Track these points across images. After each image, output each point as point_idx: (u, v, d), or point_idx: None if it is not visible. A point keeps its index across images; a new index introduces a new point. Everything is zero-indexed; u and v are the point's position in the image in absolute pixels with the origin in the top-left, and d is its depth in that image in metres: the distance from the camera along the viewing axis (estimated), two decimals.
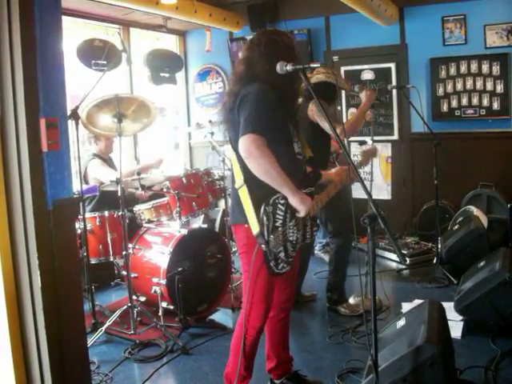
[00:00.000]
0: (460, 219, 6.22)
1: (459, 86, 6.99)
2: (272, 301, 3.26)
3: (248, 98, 3.00)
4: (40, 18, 2.75)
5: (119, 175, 4.61)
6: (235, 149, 3.09)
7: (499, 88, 6.74)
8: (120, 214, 4.69)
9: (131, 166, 6.42)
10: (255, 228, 2.99)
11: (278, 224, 3.04)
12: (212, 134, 5.62)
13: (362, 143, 6.35)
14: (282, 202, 3.03)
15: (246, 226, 3.07)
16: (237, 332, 3.30)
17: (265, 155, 2.89)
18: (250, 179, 3.03)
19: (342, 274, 5.08)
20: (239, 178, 3.10)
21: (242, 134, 2.91)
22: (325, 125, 4.80)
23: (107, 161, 5.63)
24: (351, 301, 5.10)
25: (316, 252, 6.68)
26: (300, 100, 5.11)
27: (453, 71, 6.99)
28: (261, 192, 3.00)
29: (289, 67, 3.03)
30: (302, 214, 3.05)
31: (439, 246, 6.13)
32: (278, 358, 3.57)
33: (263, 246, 2.98)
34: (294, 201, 3.01)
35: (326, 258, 6.62)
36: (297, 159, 3.24)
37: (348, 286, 5.18)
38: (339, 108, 7.72)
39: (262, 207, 2.98)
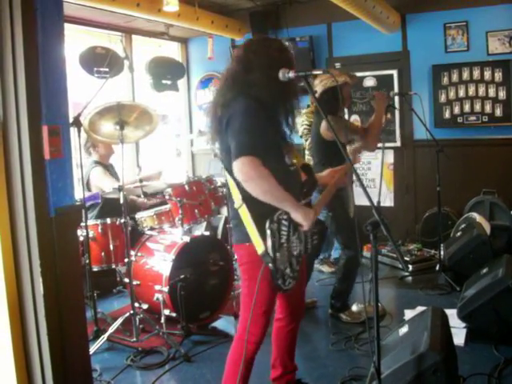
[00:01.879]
0: (463, 226, 6.21)
1: (461, 93, 7.00)
2: (271, 314, 3.19)
3: (235, 118, 2.90)
4: (42, 26, 2.76)
5: (121, 184, 4.61)
6: (227, 168, 3.02)
7: (501, 95, 6.75)
8: (122, 221, 4.68)
9: (133, 175, 6.40)
10: (260, 247, 2.90)
11: (283, 240, 2.94)
12: None
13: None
14: (285, 217, 2.93)
15: (247, 244, 2.97)
16: (235, 347, 3.20)
17: (263, 175, 2.79)
18: (248, 197, 2.91)
19: (349, 284, 5.05)
20: (237, 198, 3.00)
21: (236, 157, 2.80)
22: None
23: (109, 168, 5.64)
24: (354, 308, 5.09)
25: (315, 265, 6.67)
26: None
27: (455, 78, 7.00)
28: (261, 209, 2.89)
29: (291, 74, 3.01)
30: (305, 228, 2.98)
31: (442, 252, 6.13)
32: (284, 368, 3.51)
33: (270, 265, 2.88)
34: (297, 216, 2.93)
35: (324, 269, 6.62)
36: (291, 172, 3.14)
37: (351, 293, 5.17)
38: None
39: (267, 225, 2.87)
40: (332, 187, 3.41)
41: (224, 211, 6.81)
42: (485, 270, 4.64)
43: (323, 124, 4.75)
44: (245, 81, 3.00)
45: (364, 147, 5.00)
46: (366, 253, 6.86)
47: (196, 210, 5.30)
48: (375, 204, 2.64)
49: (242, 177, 2.81)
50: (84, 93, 6.22)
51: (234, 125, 2.89)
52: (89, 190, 5.36)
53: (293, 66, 3.04)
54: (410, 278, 6.29)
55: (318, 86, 4.77)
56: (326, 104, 4.65)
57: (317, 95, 4.80)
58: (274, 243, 2.88)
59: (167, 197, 5.30)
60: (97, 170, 5.42)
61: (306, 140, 6.11)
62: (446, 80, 7.06)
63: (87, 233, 4.78)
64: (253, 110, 2.92)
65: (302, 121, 6.27)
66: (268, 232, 2.87)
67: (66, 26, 3.15)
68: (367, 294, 4.88)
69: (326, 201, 3.39)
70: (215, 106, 3.07)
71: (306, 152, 6.26)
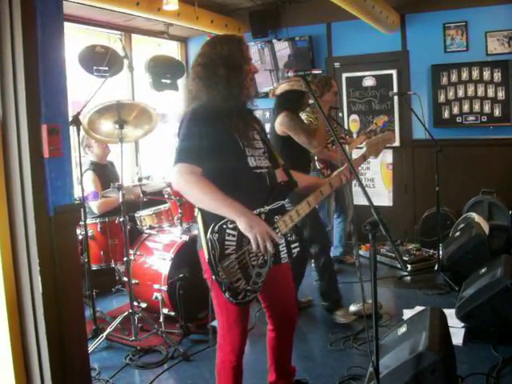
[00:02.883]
0: (461, 226, 6.21)
1: (460, 93, 7.00)
2: (246, 321, 3.06)
3: (182, 123, 2.88)
4: (42, 24, 2.76)
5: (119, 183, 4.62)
6: None
7: (500, 95, 6.75)
8: (121, 220, 4.68)
9: (132, 173, 6.39)
10: (206, 257, 2.76)
11: (228, 251, 2.74)
12: None
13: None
14: (231, 226, 2.74)
15: (202, 250, 2.84)
16: (217, 356, 3.10)
17: (191, 182, 2.72)
18: None
19: (329, 281, 5.01)
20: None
21: (172, 166, 2.79)
22: (299, 138, 4.79)
23: (106, 167, 5.61)
24: (352, 308, 5.08)
25: (313, 265, 6.65)
26: None
27: (454, 78, 7.00)
28: (210, 217, 2.77)
29: (290, 74, 3.01)
30: (251, 239, 2.70)
31: (440, 252, 6.13)
32: (280, 372, 3.42)
33: (213, 277, 2.73)
34: (240, 225, 2.70)
35: None
36: (254, 174, 2.94)
37: (349, 293, 5.17)
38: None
39: (207, 235, 2.73)
40: (326, 189, 3.14)
41: None
42: (483, 270, 4.65)
43: (278, 119, 4.84)
44: (195, 86, 2.96)
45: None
46: (365, 252, 6.87)
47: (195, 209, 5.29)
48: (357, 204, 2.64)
49: (174, 185, 2.81)
50: (83, 92, 6.21)
51: (180, 131, 2.87)
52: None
53: (246, 65, 2.98)
54: (408, 277, 6.29)
55: (285, 84, 4.93)
56: (287, 101, 4.92)
57: (279, 91, 4.97)
58: (215, 254, 2.72)
59: (166, 196, 5.30)
60: (87, 175, 5.34)
61: None
62: (445, 80, 7.06)
63: (86, 231, 4.78)
64: (197, 115, 2.85)
65: None
66: (207, 242, 2.73)
67: (66, 24, 3.15)
68: (362, 293, 4.88)
69: (312, 204, 3.06)
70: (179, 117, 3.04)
71: None
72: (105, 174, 5.50)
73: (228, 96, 2.90)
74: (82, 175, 4.94)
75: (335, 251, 6.91)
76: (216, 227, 2.73)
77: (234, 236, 2.76)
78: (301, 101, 4.98)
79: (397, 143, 7.50)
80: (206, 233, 2.77)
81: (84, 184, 5.28)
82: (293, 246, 2.98)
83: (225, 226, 2.74)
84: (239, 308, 2.91)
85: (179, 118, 2.99)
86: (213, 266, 2.72)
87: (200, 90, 2.94)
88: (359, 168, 7.60)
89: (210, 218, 2.77)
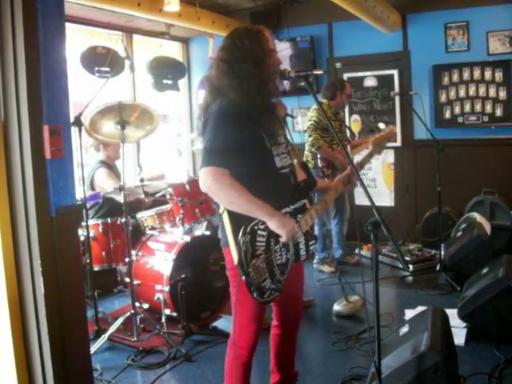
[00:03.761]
0: (463, 226, 6.21)
1: (462, 93, 7.00)
2: (262, 318, 3.09)
3: (208, 121, 2.82)
4: (43, 25, 2.76)
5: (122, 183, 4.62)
6: None
7: (502, 95, 6.75)
8: (123, 220, 4.69)
9: (134, 175, 6.40)
10: (235, 257, 2.75)
11: (259, 252, 2.76)
12: None
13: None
14: (262, 227, 2.77)
15: (228, 248, 2.84)
16: (228, 352, 3.15)
17: (224, 186, 2.71)
18: None
19: None
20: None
21: (200, 167, 2.77)
22: None
23: (113, 168, 5.63)
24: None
25: (315, 265, 6.68)
26: None
27: (455, 78, 7.00)
28: (240, 218, 2.76)
29: (292, 74, 3.00)
30: (283, 238, 2.79)
31: (442, 252, 6.12)
32: (283, 374, 3.39)
33: (243, 277, 2.71)
34: (272, 225, 2.76)
35: (325, 269, 6.59)
36: (280, 174, 2.95)
37: (350, 293, 5.17)
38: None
39: (239, 237, 2.71)
40: (339, 187, 3.24)
41: None
42: (485, 270, 4.64)
43: None
44: (221, 81, 2.87)
45: None
46: (367, 252, 6.87)
47: (197, 210, 5.30)
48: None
49: (204, 188, 2.76)
50: (85, 92, 6.22)
51: (207, 130, 2.82)
52: (92, 189, 5.36)
53: (269, 58, 2.89)
54: (410, 277, 6.29)
55: None
56: None
57: None
58: (246, 256, 2.71)
59: (168, 196, 5.30)
60: (102, 171, 5.39)
61: (310, 136, 6.08)
62: (446, 80, 7.06)
63: (88, 232, 4.79)
64: (224, 115, 2.81)
65: (310, 116, 6.25)
66: (240, 244, 2.71)
67: (67, 25, 3.15)
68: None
69: (329, 202, 3.20)
70: (200, 110, 3.02)
71: (306, 147, 6.26)
72: (115, 173, 5.53)
73: (256, 93, 2.84)
74: (83, 175, 4.94)
75: (335, 253, 6.91)
76: (248, 229, 2.74)
77: (263, 237, 2.79)
78: None
79: (398, 143, 7.50)
80: (235, 233, 2.77)
81: (102, 179, 5.31)
82: (310, 243, 3.07)
83: (256, 228, 2.76)
84: (260, 306, 2.95)
85: (202, 113, 2.96)
86: (243, 266, 2.71)
87: (226, 86, 2.86)
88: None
89: (239, 218, 2.77)
